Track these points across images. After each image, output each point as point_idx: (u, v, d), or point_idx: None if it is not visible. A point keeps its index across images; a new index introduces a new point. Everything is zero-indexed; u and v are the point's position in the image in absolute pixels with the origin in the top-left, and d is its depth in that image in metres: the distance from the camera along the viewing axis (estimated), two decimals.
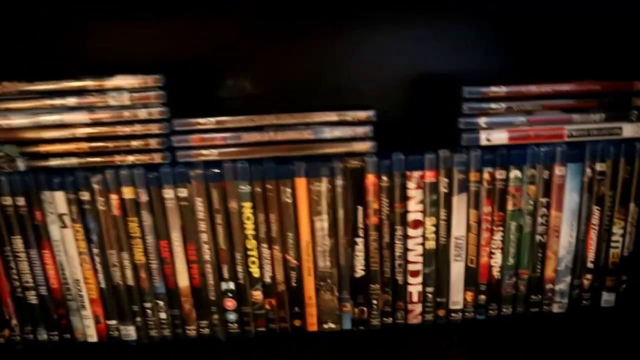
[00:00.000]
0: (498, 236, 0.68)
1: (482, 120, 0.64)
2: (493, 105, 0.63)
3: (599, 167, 0.65)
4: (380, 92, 0.66)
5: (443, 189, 0.65)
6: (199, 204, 0.64)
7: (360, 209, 0.65)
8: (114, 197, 0.64)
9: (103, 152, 0.64)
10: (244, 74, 0.67)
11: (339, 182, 0.64)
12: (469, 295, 0.70)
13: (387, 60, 0.66)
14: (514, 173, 0.65)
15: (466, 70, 0.66)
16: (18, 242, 0.66)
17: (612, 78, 0.63)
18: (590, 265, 0.70)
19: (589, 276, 0.70)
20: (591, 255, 0.69)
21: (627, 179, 0.66)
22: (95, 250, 0.66)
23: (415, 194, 0.65)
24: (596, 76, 0.63)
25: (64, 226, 0.65)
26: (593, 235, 0.68)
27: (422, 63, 0.66)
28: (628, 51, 0.67)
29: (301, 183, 0.64)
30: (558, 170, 0.65)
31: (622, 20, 0.66)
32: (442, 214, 0.66)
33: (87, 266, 0.67)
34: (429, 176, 0.64)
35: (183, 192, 0.64)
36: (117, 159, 0.63)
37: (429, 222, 0.66)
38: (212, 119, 0.62)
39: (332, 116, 0.62)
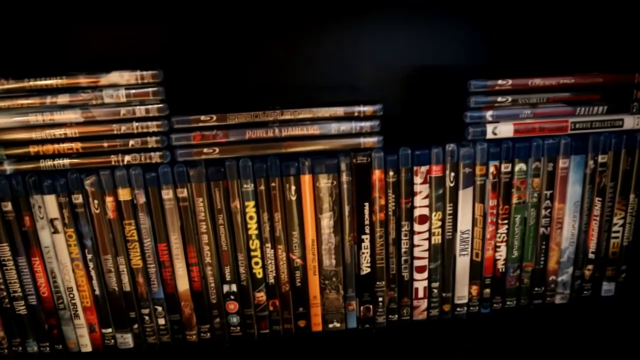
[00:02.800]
0: (503, 229, 0.68)
1: (489, 114, 0.63)
2: (499, 99, 0.63)
3: (600, 158, 0.65)
4: (385, 86, 0.65)
5: (449, 183, 0.64)
6: (200, 205, 0.62)
7: (366, 205, 0.64)
8: (109, 200, 0.61)
9: (97, 152, 0.60)
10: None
11: (345, 178, 0.62)
12: (474, 289, 0.70)
13: (392, 53, 0.65)
14: (519, 166, 0.65)
15: (471, 64, 0.65)
16: (5, 250, 0.62)
17: (614, 71, 0.63)
18: (591, 256, 0.70)
19: (590, 267, 0.71)
20: (592, 246, 0.70)
21: (627, 170, 0.66)
22: (89, 256, 0.63)
23: (421, 189, 0.64)
24: (599, 69, 0.63)
25: (56, 231, 0.62)
26: (594, 226, 0.69)
27: (427, 56, 0.65)
28: (630, 44, 0.67)
29: (306, 180, 0.62)
30: (562, 162, 0.65)
31: (624, 13, 0.67)
32: (448, 208, 0.66)
33: (81, 273, 0.64)
34: (436, 171, 0.64)
35: (183, 193, 0.61)
36: (113, 159, 0.60)
37: (435, 217, 0.66)
38: (213, 116, 0.60)
39: (339, 111, 0.61)
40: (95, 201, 0.61)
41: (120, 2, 0.59)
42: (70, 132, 0.59)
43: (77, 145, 0.59)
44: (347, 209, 0.64)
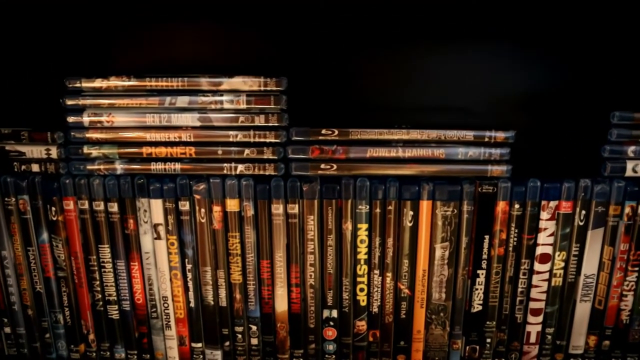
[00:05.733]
0: (632, 277, 0.61)
1: (630, 149, 0.57)
2: None
3: None
4: (516, 112, 0.60)
5: (578, 222, 0.59)
6: (310, 223, 0.58)
7: (486, 238, 0.59)
8: (216, 209, 0.58)
9: (210, 159, 0.58)
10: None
11: (467, 207, 0.58)
12: (592, 340, 0.64)
13: (525, 76, 0.60)
14: None
15: (614, 92, 0.59)
16: (105, 251, 0.60)
17: None
18: None
19: None
20: None
21: None
22: (189, 266, 0.60)
23: (547, 226, 0.59)
24: None
25: (158, 237, 0.59)
26: None
27: (566, 81, 0.60)
28: None
29: (425, 206, 0.57)
30: None
31: None
32: (574, 249, 0.60)
33: (178, 282, 0.61)
34: (565, 207, 0.58)
35: (294, 209, 0.58)
36: (226, 167, 0.57)
37: (559, 257, 0.60)
38: (335, 130, 0.56)
39: (468, 135, 0.56)
40: (202, 210, 0.58)
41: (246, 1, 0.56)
42: (185, 135, 0.57)
43: (190, 150, 0.57)
44: (464, 240, 0.59)
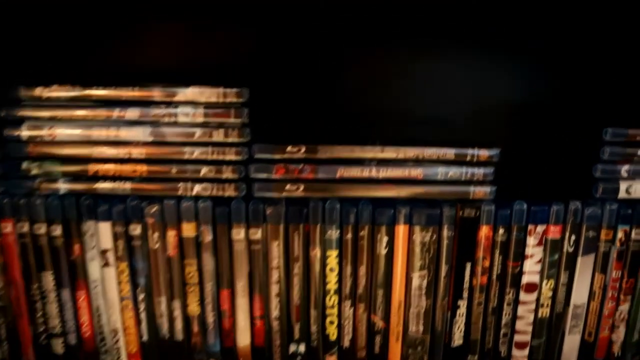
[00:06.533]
0: (625, 306, 0.57)
1: (624, 169, 0.53)
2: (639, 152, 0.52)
3: None
4: (501, 128, 0.55)
5: (568, 248, 0.54)
6: (274, 249, 0.53)
7: (468, 265, 0.54)
8: (171, 234, 0.52)
9: (164, 179, 0.52)
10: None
11: (447, 232, 0.53)
12: None
13: (511, 89, 0.55)
14: None
15: (605, 107, 0.54)
16: (48, 279, 0.54)
17: None
18: None
19: None
20: None
21: None
22: (141, 296, 0.55)
23: (534, 252, 0.54)
24: None
25: (106, 264, 0.54)
26: None
27: (554, 94, 0.55)
28: None
29: (401, 231, 0.52)
30: None
31: None
32: (563, 277, 0.55)
33: (129, 314, 0.55)
34: (553, 231, 0.54)
35: (256, 234, 0.52)
36: (181, 187, 0.52)
37: (546, 285, 0.55)
38: (302, 147, 0.51)
39: (449, 153, 0.51)
40: (156, 234, 0.52)
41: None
42: (135, 152, 0.51)
43: (141, 168, 0.51)
44: (444, 268, 0.54)
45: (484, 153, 0.52)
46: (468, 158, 0.52)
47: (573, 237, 0.54)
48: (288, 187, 0.52)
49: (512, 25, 0.52)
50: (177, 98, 0.51)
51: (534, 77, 0.55)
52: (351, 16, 0.52)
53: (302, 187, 0.52)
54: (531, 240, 0.54)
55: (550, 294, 0.56)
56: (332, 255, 0.53)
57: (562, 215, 0.54)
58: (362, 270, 0.54)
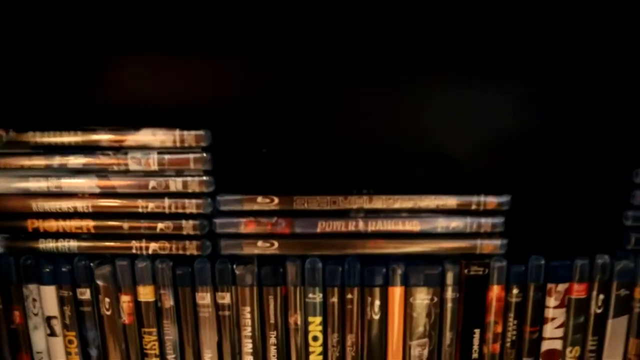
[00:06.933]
0: None
1: None
2: None
3: None
4: (511, 169, 0.46)
5: (595, 309, 0.46)
6: (247, 316, 0.46)
7: (476, 332, 0.46)
8: (125, 299, 0.45)
9: (115, 236, 0.45)
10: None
11: (451, 294, 0.45)
12: None
13: (522, 121, 0.46)
14: None
15: (636, 145, 0.46)
16: None
17: None
18: None
19: None
20: None
21: None
22: None
23: (555, 315, 0.47)
24: None
25: (52, 334, 0.47)
26: None
27: (574, 129, 0.47)
28: None
29: (397, 294, 0.45)
30: None
31: None
32: (591, 343, 0.47)
33: None
34: (578, 290, 0.46)
35: (225, 298, 0.45)
36: (135, 245, 0.44)
37: (571, 353, 0.47)
38: (275, 197, 0.43)
39: (450, 201, 0.43)
40: (107, 299, 0.46)
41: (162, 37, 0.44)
42: (81, 205, 0.44)
43: (88, 224, 0.45)
44: (448, 336, 0.46)
45: (492, 200, 0.44)
46: (473, 206, 0.44)
47: (601, 297, 0.47)
48: (260, 243, 0.45)
49: (524, 50, 0.44)
50: (127, 143, 0.43)
51: (551, 108, 0.47)
52: (329, 44, 0.44)
53: (276, 244, 0.45)
54: (551, 301, 0.47)
55: None
56: (315, 322, 0.46)
57: (588, 271, 0.46)
58: (351, 339, 0.47)
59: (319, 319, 0.46)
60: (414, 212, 0.45)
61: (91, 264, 0.46)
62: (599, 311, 0.47)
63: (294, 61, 0.45)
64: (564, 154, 0.47)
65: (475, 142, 0.47)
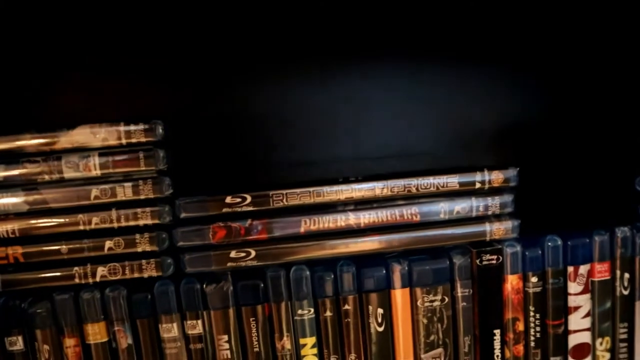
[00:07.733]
0: None
1: None
2: None
3: None
4: (516, 141, 0.41)
5: (622, 290, 0.40)
6: (224, 346, 0.37)
7: (496, 333, 0.39)
8: (70, 343, 0.36)
9: (51, 263, 0.37)
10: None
11: (462, 291, 0.38)
12: None
13: (523, 93, 0.41)
14: None
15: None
16: None
17: None
18: None
19: None
20: None
21: None
22: None
23: (580, 302, 0.41)
24: None
25: None
26: None
27: (579, 91, 0.42)
28: None
29: (399, 297, 0.38)
30: None
31: None
32: (621, 330, 0.41)
33: None
34: (600, 271, 0.40)
35: (196, 327, 0.36)
36: (76, 272, 0.35)
37: (601, 346, 0.41)
38: (246, 195, 0.36)
39: (451, 182, 0.37)
40: (46, 347, 0.37)
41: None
42: (4, 229, 0.35)
43: (15, 252, 0.35)
44: (465, 341, 0.39)
45: (497, 176, 0.38)
46: (477, 185, 0.38)
47: (627, 275, 0.41)
48: (233, 254, 0.37)
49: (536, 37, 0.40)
50: (60, 145, 0.35)
51: (562, 80, 0.42)
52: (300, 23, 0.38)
53: (253, 253, 0.37)
54: (574, 287, 0.40)
55: (608, 356, 0.42)
56: (308, 344, 0.38)
57: (609, 248, 0.40)
58: (352, 358, 0.38)
59: (312, 340, 0.38)
60: (411, 198, 0.38)
61: (22, 304, 0.37)
62: (625, 292, 0.42)
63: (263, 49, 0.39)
64: (573, 118, 0.42)
65: (476, 118, 0.41)
